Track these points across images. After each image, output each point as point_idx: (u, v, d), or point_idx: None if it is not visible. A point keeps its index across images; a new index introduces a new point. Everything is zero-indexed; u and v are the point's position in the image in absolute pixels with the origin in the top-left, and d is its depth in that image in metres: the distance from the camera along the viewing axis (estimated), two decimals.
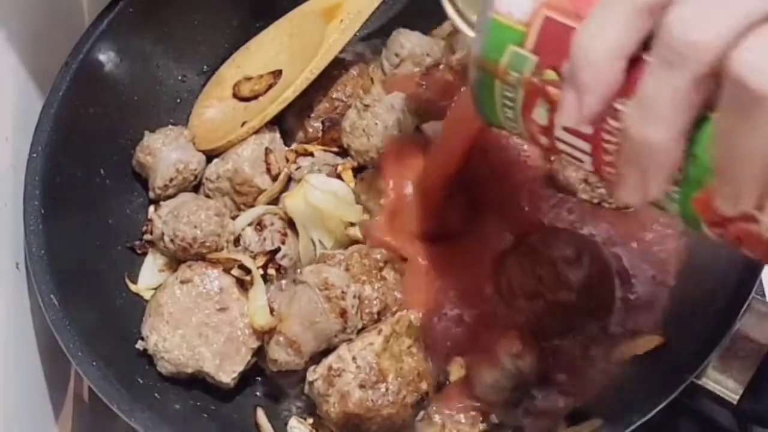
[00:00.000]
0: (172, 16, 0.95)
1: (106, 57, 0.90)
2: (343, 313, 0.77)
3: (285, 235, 0.86)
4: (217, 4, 0.98)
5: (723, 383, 0.73)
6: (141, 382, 0.80)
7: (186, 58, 0.98)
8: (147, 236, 0.90)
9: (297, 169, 0.90)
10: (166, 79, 0.97)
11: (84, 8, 0.99)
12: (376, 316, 0.80)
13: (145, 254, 0.90)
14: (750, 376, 0.72)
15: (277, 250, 0.85)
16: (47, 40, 0.90)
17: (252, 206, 0.90)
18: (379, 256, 0.82)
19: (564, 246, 0.79)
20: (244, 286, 0.83)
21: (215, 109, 0.96)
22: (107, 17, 0.89)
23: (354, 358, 0.76)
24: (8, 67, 0.84)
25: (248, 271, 0.83)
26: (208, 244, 0.85)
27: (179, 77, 0.98)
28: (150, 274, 0.89)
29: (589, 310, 0.80)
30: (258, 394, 0.85)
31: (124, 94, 0.93)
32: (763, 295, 0.92)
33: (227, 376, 0.81)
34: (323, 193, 0.84)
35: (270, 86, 0.93)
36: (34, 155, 0.83)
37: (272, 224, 0.87)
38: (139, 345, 0.82)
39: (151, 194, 0.91)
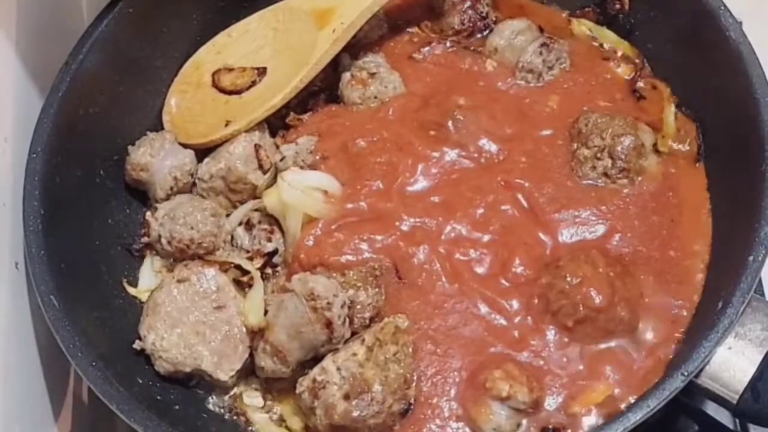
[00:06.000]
0: (171, 17, 0.95)
1: (105, 58, 0.90)
2: (328, 324, 0.76)
3: (272, 232, 0.86)
4: (217, 4, 0.99)
5: (723, 383, 0.72)
6: (140, 382, 0.80)
7: (185, 58, 0.97)
8: (144, 239, 0.89)
9: (281, 159, 0.89)
10: (165, 79, 0.97)
11: (83, 9, 0.99)
12: (367, 322, 0.79)
13: (142, 257, 0.90)
14: (750, 376, 0.72)
15: (275, 251, 0.85)
16: (47, 40, 0.90)
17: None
18: (376, 265, 0.81)
19: None
20: (240, 284, 0.83)
21: (192, 96, 0.95)
22: (106, 18, 0.89)
23: (338, 369, 0.75)
24: (8, 67, 0.84)
25: (245, 272, 0.83)
26: (205, 244, 0.85)
27: None
28: (149, 276, 0.89)
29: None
30: (258, 392, 0.85)
31: (124, 94, 0.93)
32: (763, 294, 0.92)
33: (225, 374, 0.81)
34: (295, 190, 0.83)
35: (253, 83, 0.92)
36: (34, 155, 0.83)
37: (259, 222, 0.87)
38: (137, 345, 0.82)
39: (155, 205, 0.90)
